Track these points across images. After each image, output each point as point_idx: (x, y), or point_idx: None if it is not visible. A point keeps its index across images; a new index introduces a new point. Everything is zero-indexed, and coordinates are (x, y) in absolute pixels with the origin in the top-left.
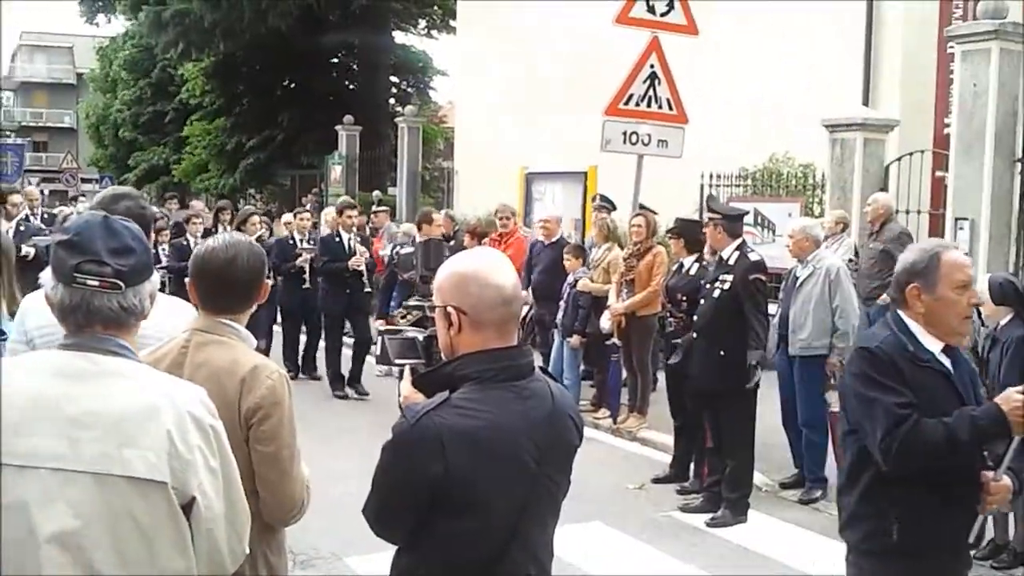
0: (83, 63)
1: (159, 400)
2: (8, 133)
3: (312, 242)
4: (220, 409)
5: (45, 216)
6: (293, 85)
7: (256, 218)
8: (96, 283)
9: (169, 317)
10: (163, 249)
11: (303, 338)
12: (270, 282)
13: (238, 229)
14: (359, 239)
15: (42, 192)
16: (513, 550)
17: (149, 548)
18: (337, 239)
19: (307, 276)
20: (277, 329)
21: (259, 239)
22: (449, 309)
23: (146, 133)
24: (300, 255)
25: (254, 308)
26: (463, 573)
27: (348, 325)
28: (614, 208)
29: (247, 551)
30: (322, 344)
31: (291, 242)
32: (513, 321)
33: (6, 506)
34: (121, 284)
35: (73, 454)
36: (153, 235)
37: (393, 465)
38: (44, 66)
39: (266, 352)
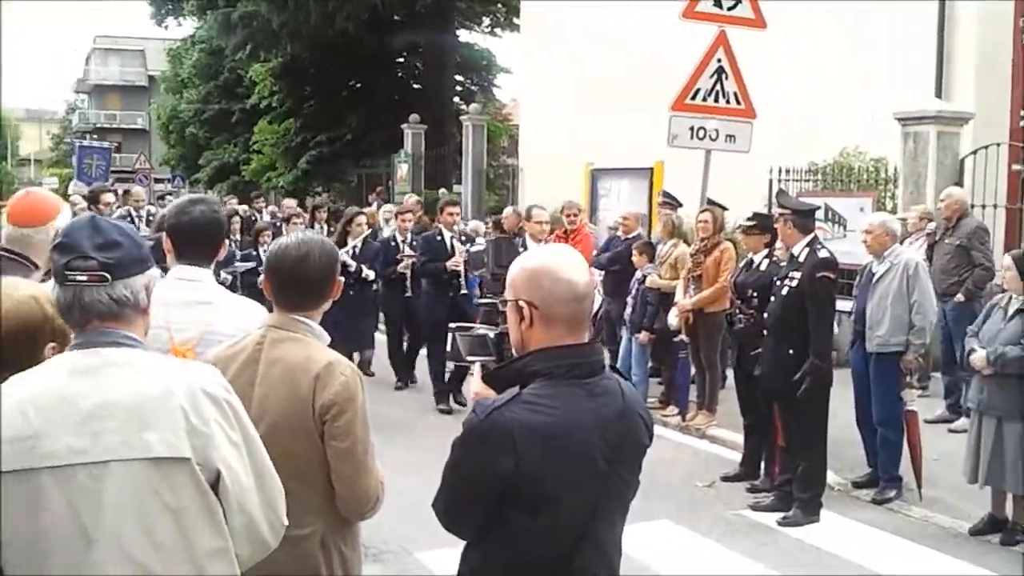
0: (154, 65)
1: (169, 381)
2: (85, 135)
3: (413, 244)
4: (294, 404)
5: (150, 216)
6: (359, 85)
7: (362, 218)
8: (84, 277)
9: (241, 315)
10: (264, 250)
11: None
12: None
13: (343, 231)
14: (461, 238)
15: (116, 192)
16: (584, 549)
17: (181, 530)
18: (439, 238)
19: (409, 284)
20: (380, 337)
21: (365, 240)
22: (521, 303)
23: (215, 133)
24: (402, 260)
25: (328, 305)
26: (533, 570)
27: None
28: (679, 205)
29: (285, 523)
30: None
31: (393, 243)
32: (585, 318)
33: (52, 510)
34: (107, 276)
35: (96, 447)
36: (237, 236)
37: (463, 460)
38: (117, 69)
39: (369, 363)
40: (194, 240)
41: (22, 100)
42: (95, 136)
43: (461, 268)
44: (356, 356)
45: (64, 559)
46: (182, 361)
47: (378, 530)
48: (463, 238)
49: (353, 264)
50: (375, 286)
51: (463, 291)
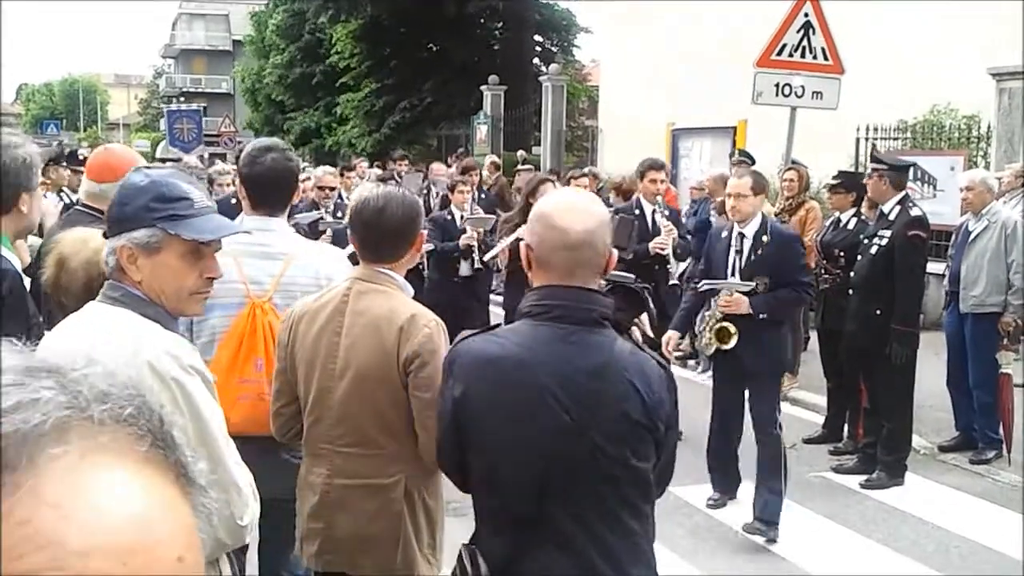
0: (238, 30)
1: (119, 348)
2: (171, 99)
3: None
4: (379, 355)
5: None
6: (438, 47)
7: (549, 185)
8: None
9: (318, 265)
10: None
11: None
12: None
13: (526, 204)
14: (666, 212)
15: (202, 157)
16: (556, 516)
17: None
18: (637, 211)
19: None
20: None
21: None
22: (523, 244)
23: (298, 97)
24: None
25: (412, 259)
26: (501, 526)
27: None
28: (753, 162)
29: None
30: None
31: None
32: (585, 268)
33: None
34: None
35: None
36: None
37: (441, 389)
38: (202, 33)
39: None
40: (268, 189)
41: (111, 65)
42: (182, 100)
43: (669, 250)
44: None
45: None
46: (146, 326)
47: None
48: (667, 212)
49: None
50: None
51: (672, 281)
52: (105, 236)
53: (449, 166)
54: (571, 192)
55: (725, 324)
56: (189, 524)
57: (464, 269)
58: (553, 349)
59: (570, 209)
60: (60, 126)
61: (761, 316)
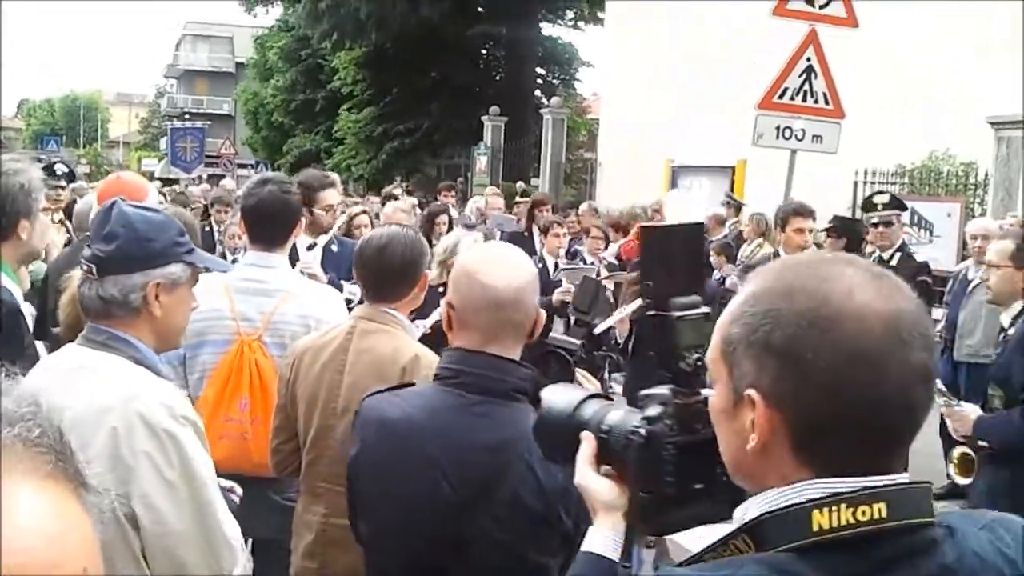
0: (241, 52)
1: (111, 399)
2: (173, 119)
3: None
4: None
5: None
6: (441, 76)
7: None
8: (85, 267)
9: (310, 304)
10: None
11: None
12: None
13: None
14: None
15: (200, 178)
16: None
17: (106, 556)
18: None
19: None
20: None
21: None
22: (443, 302)
23: (298, 121)
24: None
25: (416, 300)
26: None
27: None
28: (742, 205)
29: None
30: None
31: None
32: (509, 329)
33: None
34: (93, 269)
35: None
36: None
37: None
38: (206, 55)
39: None
40: (263, 223)
41: (113, 83)
42: (189, 118)
43: None
44: None
45: None
46: (141, 377)
47: None
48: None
49: None
50: None
51: None
52: (96, 273)
53: (447, 197)
54: (498, 245)
55: (966, 451)
56: (91, 536)
57: (558, 329)
58: (451, 418)
59: (497, 263)
60: (60, 142)
61: (980, 443)
